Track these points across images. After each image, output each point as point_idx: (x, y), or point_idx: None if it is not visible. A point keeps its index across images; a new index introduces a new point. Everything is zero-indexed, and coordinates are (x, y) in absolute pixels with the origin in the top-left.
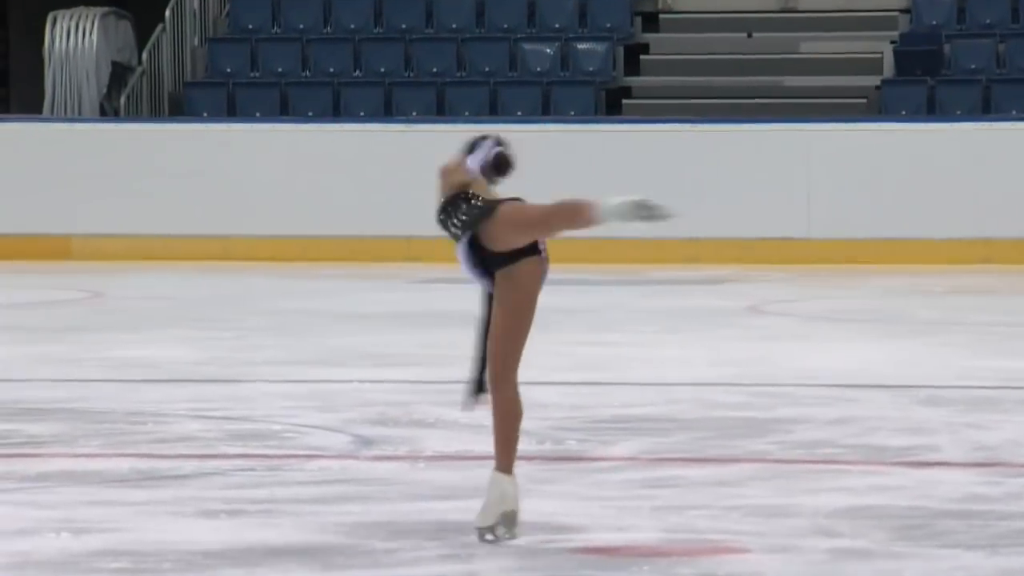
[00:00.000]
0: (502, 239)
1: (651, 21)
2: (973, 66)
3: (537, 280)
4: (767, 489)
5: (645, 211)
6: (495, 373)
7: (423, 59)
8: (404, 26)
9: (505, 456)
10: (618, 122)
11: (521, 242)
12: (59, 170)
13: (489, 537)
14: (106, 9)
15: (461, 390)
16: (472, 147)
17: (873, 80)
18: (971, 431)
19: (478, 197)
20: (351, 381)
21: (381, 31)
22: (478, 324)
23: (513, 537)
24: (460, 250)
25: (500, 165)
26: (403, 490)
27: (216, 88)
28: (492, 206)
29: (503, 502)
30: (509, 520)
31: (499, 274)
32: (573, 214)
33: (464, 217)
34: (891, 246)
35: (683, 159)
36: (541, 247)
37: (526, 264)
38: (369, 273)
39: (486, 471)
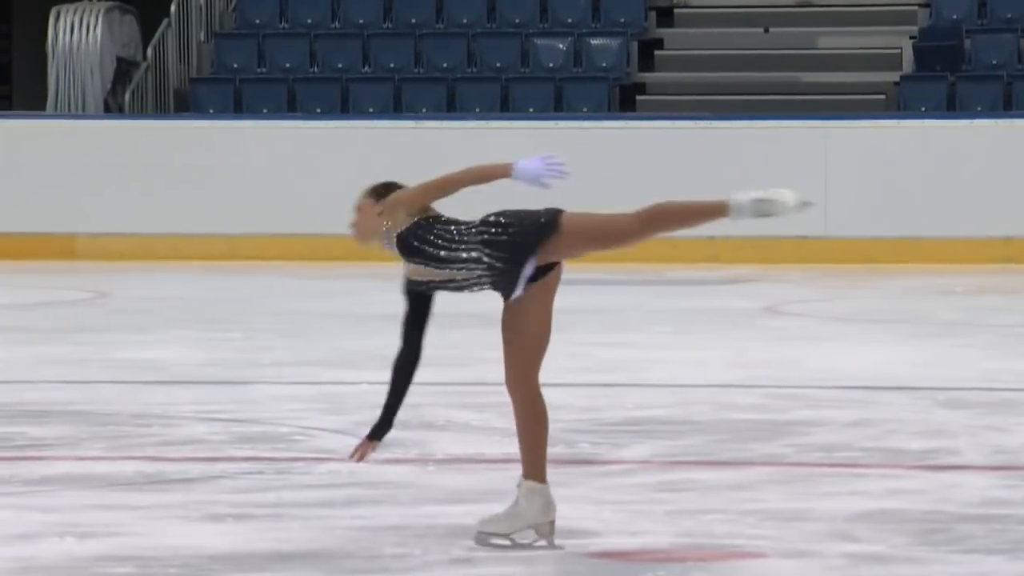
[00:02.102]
0: (570, 251)
1: (665, 16)
2: (994, 61)
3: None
4: (783, 493)
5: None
6: (521, 375)
7: (433, 55)
8: (414, 21)
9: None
10: (632, 119)
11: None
12: (63, 168)
13: (504, 542)
14: (110, 4)
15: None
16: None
17: (892, 76)
18: (991, 434)
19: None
20: (360, 383)
21: (390, 26)
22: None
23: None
24: (526, 272)
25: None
26: (413, 494)
27: (222, 84)
28: (551, 218)
29: (546, 512)
30: (547, 531)
31: (538, 284)
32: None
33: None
34: (910, 245)
35: (698, 156)
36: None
37: (556, 271)
38: (379, 273)
39: (497, 474)
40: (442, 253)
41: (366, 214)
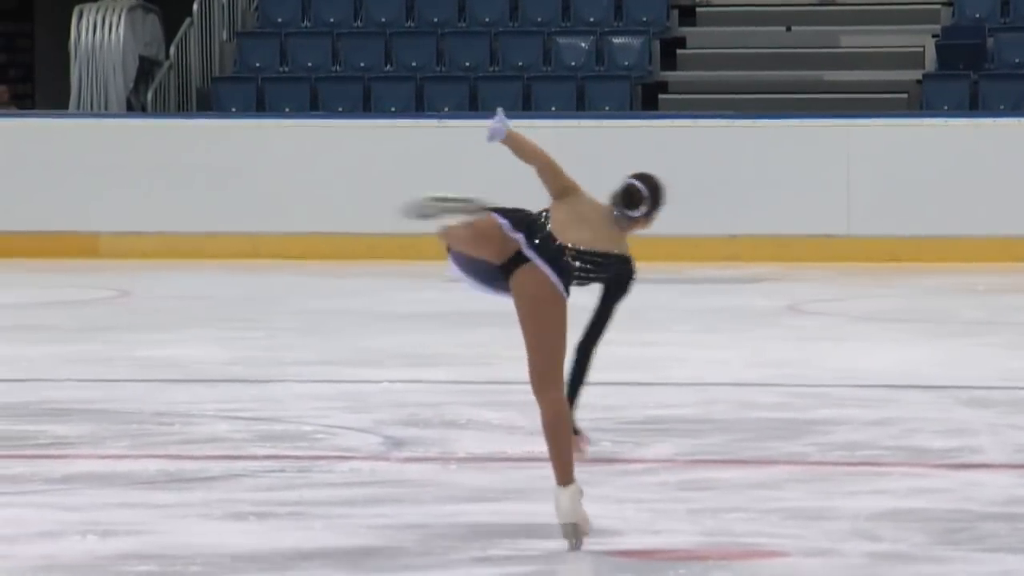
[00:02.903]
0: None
1: (688, 15)
2: (1017, 60)
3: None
4: (805, 491)
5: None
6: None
7: (455, 53)
8: (436, 20)
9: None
10: (654, 117)
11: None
12: (85, 167)
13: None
14: (133, 3)
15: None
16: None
17: (915, 74)
18: (1014, 432)
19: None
20: (382, 381)
21: (413, 25)
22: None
23: (574, 548)
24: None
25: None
26: (435, 492)
27: (245, 83)
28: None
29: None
30: (567, 532)
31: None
32: None
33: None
34: (932, 244)
35: (720, 155)
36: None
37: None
38: (401, 271)
39: (518, 473)
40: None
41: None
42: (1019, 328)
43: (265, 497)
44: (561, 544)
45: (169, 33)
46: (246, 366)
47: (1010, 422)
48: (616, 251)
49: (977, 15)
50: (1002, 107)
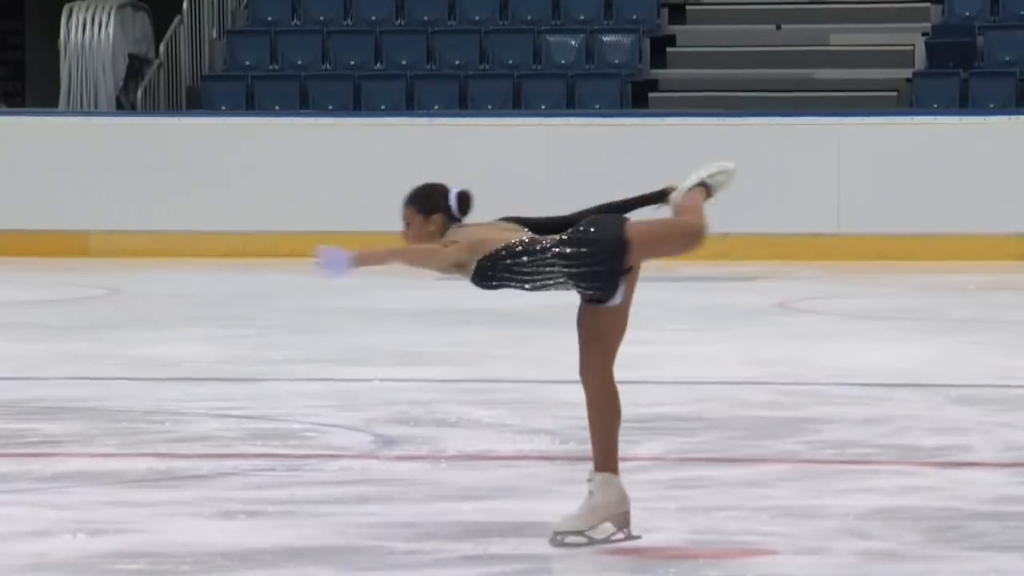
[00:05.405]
0: (643, 259)
1: (678, 13)
2: (1007, 58)
3: None
4: (796, 490)
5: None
6: (599, 366)
7: (446, 51)
8: (426, 18)
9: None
10: (644, 115)
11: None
12: (75, 165)
13: (581, 540)
14: (123, 1)
15: None
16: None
17: (904, 73)
18: (1005, 431)
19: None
20: (373, 380)
21: (403, 23)
22: None
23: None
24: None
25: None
26: (425, 490)
27: (235, 81)
28: (621, 238)
29: (622, 503)
30: (624, 521)
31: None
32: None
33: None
34: (923, 242)
35: (710, 153)
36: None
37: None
38: (391, 270)
39: (509, 471)
40: (527, 286)
41: (416, 231)
42: (1009, 326)
43: (255, 495)
44: (618, 538)
45: (159, 31)
46: (236, 364)
47: (1000, 420)
48: None
49: (967, 13)
50: (992, 105)
